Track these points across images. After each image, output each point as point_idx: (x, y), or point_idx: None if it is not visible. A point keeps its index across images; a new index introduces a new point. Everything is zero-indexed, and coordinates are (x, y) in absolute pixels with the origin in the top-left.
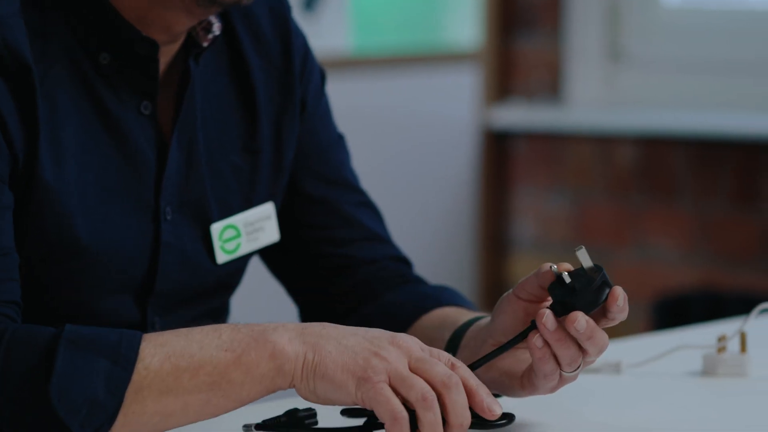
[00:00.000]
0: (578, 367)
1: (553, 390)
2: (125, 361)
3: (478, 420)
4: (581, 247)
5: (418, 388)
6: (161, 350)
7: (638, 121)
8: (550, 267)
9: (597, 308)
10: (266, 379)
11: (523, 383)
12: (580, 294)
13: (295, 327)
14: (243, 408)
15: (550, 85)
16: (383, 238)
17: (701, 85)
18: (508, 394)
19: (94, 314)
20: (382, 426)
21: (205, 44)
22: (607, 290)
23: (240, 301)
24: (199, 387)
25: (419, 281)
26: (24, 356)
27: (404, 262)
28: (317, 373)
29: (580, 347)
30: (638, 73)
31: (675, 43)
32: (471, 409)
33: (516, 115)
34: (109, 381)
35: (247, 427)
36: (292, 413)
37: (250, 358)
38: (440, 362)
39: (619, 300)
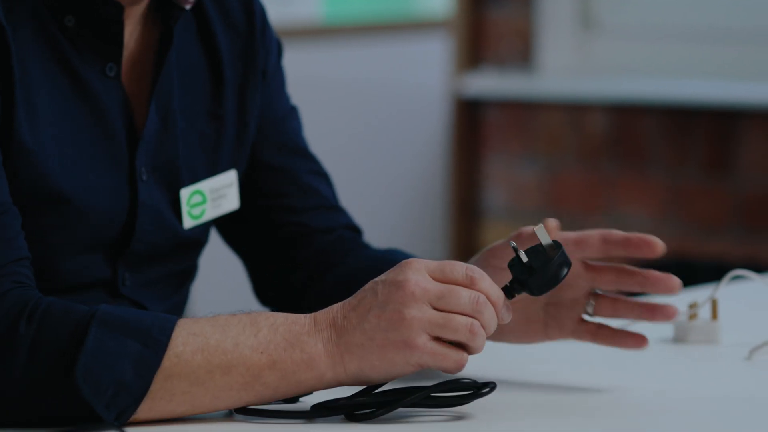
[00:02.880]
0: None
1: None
2: (156, 345)
3: (462, 393)
4: (540, 225)
5: (461, 328)
6: (194, 340)
7: (610, 88)
8: (509, 243)
9: (555, 287)
10: (305, 383)
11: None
12: (538, 273)
13: (326, 327)
14: None
15: (522, 53)
16: (338, 207)
17: (673, 52)
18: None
19: (64, 270)
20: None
21: (187, 6)
22: (566, 269)
23: (211, 262)
24: (231, 385)
25: (369, 247)
26: (55, 334)
27: (357, 231)
28: (364, 367)
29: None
30: (610, 40)
31: (647, 10)
32: (453, 386)
33: (487, 83)
34: (138, 363)
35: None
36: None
37: (286, 366)
38: (461, 290)
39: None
